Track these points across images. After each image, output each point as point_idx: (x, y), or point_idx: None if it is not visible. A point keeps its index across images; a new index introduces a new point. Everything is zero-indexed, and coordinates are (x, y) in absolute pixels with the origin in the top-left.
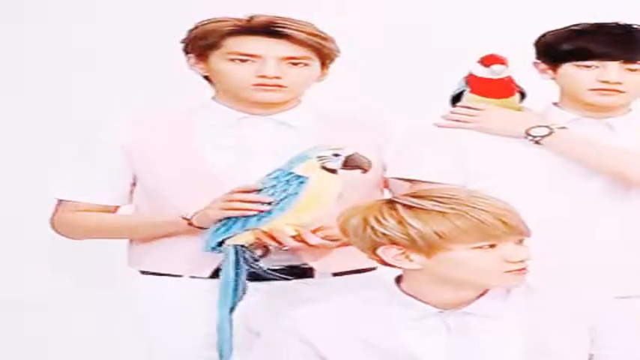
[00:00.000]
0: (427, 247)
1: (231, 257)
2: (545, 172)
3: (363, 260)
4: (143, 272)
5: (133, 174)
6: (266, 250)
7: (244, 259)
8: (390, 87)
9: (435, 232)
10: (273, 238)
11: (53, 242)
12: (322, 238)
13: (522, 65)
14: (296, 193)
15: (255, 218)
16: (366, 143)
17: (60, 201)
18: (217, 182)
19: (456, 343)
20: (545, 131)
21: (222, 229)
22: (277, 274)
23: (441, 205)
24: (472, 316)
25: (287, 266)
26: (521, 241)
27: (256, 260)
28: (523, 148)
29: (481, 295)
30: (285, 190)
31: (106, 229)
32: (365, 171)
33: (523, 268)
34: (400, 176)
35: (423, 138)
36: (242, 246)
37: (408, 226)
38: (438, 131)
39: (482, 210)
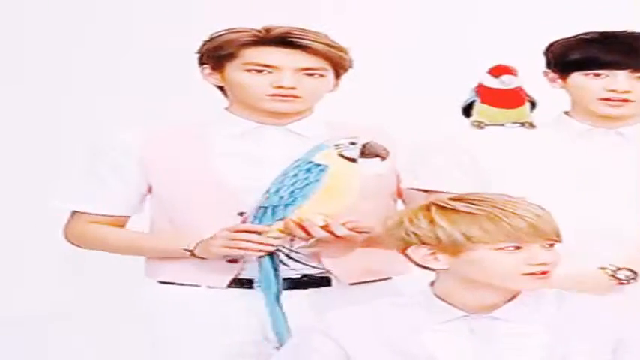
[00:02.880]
0: (453, 246)
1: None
2: (558, 172)
3: (383, 270)
4: (161, 282)
5: (148, 184)
6: (291, 242)
7: (278, 257)
8: (398, 95)
9: (462, 233)
10: (303, 228)
11: (70, 253)
12: (349, 229)
13: (533, 74)
14: (317, 181)
15: (281, 207)
16: None
17: (72, 212)
18: (231, 192)
19: (479, 347)
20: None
21: (255, 222)
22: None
23: (472, 206)
24: (498, 321)
25: (304, 275)
26: (551, 245)
27: (290, 252)
28: (535, 151)
29: (510, 299)
30: (306, 178)
31: (112, 246)
32: (383, 159)
33: (544, 272)
34: (416, 187)
35: (438, 148)
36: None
37: (437, 226)
38: (452, 141)
39: (510, 212)
